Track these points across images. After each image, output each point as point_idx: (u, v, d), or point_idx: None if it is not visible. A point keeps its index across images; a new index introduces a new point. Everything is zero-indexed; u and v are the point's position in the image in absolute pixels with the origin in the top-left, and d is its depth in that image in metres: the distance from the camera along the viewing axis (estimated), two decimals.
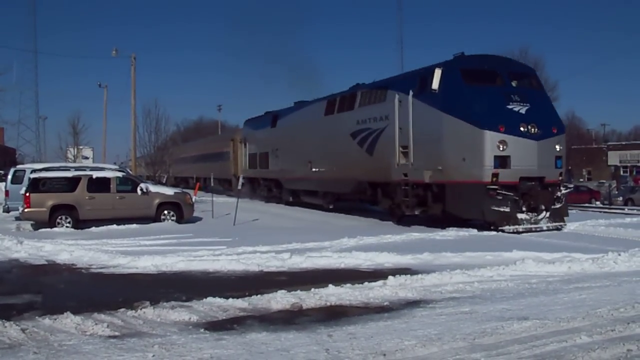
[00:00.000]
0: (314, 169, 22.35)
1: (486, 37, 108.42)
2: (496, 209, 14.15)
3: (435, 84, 15.27)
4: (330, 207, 21.64)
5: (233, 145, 33.89)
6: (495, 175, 14.24)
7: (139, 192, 17.95)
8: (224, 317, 6.41)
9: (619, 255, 9.29)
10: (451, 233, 14.12)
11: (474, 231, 14.31)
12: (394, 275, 8.29)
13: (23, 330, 5.70)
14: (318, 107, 22.85)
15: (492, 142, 14.28)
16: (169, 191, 19.37)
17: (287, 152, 25.37)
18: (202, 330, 5.83)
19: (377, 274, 8.75)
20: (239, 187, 20.11)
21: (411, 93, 16.29)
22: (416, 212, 16.38)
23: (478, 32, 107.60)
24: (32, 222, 17.70)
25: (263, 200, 28.24)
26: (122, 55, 36.90)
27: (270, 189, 27.82)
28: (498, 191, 14.21)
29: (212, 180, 31.71)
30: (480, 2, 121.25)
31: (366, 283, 7.94)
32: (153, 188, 19.03)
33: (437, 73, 15.27)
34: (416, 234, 13.88)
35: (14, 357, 4.94)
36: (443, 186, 15.38)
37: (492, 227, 14.35)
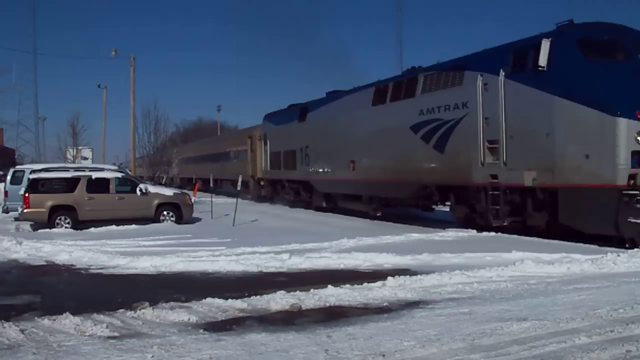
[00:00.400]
0: (357, 170, 19.24)
1: (487, 37, 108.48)
2: (636, 221, 10.89)
3: (542, 60, 12.14)
4: (378, 214, 18.54)
5: (251, 143, 30.64)
6: (633, 177, 11.12)
7: (138, 192, 17.97)
8: (223, 318, 6.40)
9: (618, 256, 9.28)
10: (450, 234, 14.11)
11: (473, 232, 14.29)
12: (393, 276, 8.28)
13: (22, 331, 5.69)
14: (362, 97, 19.35)
15: (628, 133, 11.11)
16: (168, 192, 19.39)
17: (320, 150, 22.02)
18: (201, 330, 5.83)
19: (377, 275, 8.74)
20: (238, 188, 20.10)
21: (502, 73, 13.22)
22: (505, 223, 13.51)
23: (478, 33, 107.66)
24: (31, 222, 17.71)
25: (287, 205, 25.45)
26: (122, 55, 37.13)
27: (298, 192, 24.60)
28: (638, 198, 10.99)
29: (219, 181, 30.09)
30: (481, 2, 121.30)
31: (365, 284, 7.94)
32: (152, 189, 19.05)
33: (545, 46, 12.13)
34: (415, 235, 13.88)
35: (13, 358, 4.94)
36: (553, 191, 12.35)
37: (627, 245, 10.95)
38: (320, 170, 21.97)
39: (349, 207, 20.46)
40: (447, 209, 17.02)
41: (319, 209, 22.68)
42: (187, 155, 48.52)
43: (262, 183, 28.81)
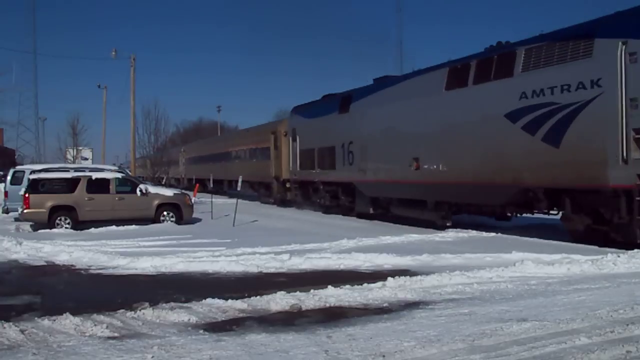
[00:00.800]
0: (422, 170, 15.84)
1: (486, 38, 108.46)
2: None
3: None
4: (448, 224, 15.37)
5: (274, 139, 26.91)
6: None
7: (138, 193, 17.97)
8: (223, 318, 6.40)
9: (618, 256, 9.28)
10: (450, 234, 14.11)
11: (473, 232, 14.30)
12: (393, 276, 8.29)
13: (22, 331, 5.69)
14: (430, 81, 16.00)
15: None
16: (168, 192, 19.39)
17: (369, 147, 18.55)
18: (201, 331, 5.83)
19: (377, 275, 8.75)
20: (238, 188, 20.01)
21: None
22: None
23: (478, 33, 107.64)
24: (31, 223, 17.70)
25: (320, 211, 22.27)
26: (122, 56, 37.12)
27: (336, 196, 21.22)
28: None
29: (239, 183, 27.73)
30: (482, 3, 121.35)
31: (365, 284, 7.94)
32: (152, 189, 19.06)
33: None
34: (415, 236, 13.88)
35: (13, 358, 4.94)
36: None
37: None
38: (369, 170, 18.54)
39: (407, 215, 17.13)
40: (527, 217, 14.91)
41: (362, 215, 19.45)
42: (196, 154, 45.02)
43: (287, 185, 25.52)
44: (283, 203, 26.16)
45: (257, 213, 21.68)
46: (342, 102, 20.65)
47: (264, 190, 28.97)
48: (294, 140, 24.13)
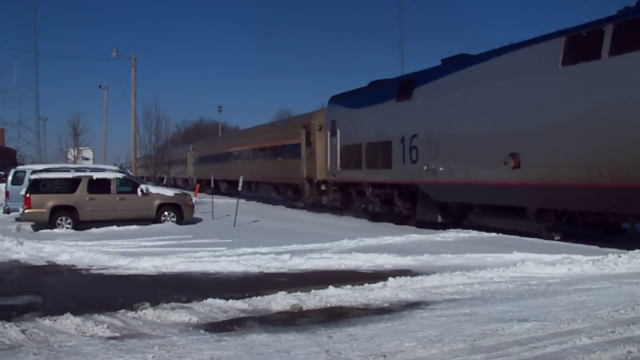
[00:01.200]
0: (524, 168, 12.77)
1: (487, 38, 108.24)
2: None
3: None
4: (557, 238, 12.65)
5: (307, 135, 23.43)
6: None
7: (139, 193, 17.99)
8: (224, 318, 6.41)
9: (619, 257, 9.28)
10: (451, 235, 14.10)
11: (474, 233, 14.28)
12: (394, 276, 8.29)
13: (23, 331, 5.70)
14: (536, 56, 12.76)
15: None
16: (169, 192, 19.41)
17: (442, 140, 15.26)
18: (202, 331, 5.83)
19: (377, 276, 8.75)
20: (239, 189, 19.92)
21: None
22: None
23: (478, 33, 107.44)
24: (32, 223, 17.72)
25: (366, 218, 18.96)
26: (123, 56, 36.96)
27: (390, 200, 17.84)
28: None
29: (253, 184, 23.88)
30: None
31: (366, 284, 7.94)
32: (153, 189, 19.08)
33: None
34: (416, 236, 13.86)
35: (14, 358, 4.94)
36: None
37: None
38: (441, 169, 15.20)
39: (494, 225, 14.07)
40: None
41: (424, 225, 16.15)
42: (208, 153, 41.30)
43: (323, 188, 22.12)
44: (315, 208, 23.02)
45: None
46: (401, 87, 17.22)
47: (291, 193, 25.50)
48: (333, 135, 20.72)
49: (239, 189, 19.84)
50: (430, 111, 15.77)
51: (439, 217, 15.76)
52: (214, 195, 18.83)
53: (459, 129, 14.73)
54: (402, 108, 16.94)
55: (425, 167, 15.68)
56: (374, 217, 18.60)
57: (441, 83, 15.63)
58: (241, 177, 20.16)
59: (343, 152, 20.17)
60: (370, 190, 18.58)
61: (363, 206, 19.02)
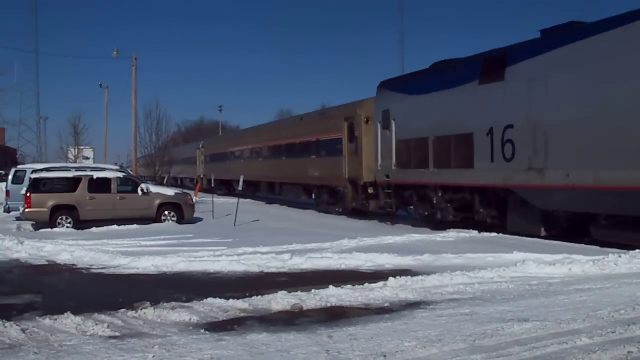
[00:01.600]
0: None
1: (487, 38, 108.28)
2: None
3: None
4: None
5: (350, 128, 19.79)
6: None
7: (139, 192, 17.99)
8: (225, 318, 6.41)
9: (620, 257, 9.27)
10: (452, 235, 14.07)
11: (475, 233, 14.26)
12: (394, 276, 8.29)
13: (23, 331, 5.70)
14: None
15: None
16: (169, 192, 19.41)
17: (554, 132, 11.95)
18: (202, 331, 5.84)
19: (378, 276, 8.75)
20: (240, 189, 19.80)
21: None
22: None
23: (478, 34, 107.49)
24: (32, 222, 17.73)
25: (429, 227, 15.58)
26: (123, 55, 36.89)
27: (467, 206, 14.81)
28: None
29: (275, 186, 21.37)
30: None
31: (367, 284, 7.94)
32: (154, 189, 19.09)
33: None
34: (417, 236, 13.85)
35: (15, 358, 4.95)
36: None
37: None
38: (553, 169, 11.98)
39: (636, 244, 10.04)
40: None
41: (515, 232, 13.33)
42: (222, 151, 37.63)
43: (370, 191, 18.88)
44: (356, 214, 20.03)
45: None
46: (486, 67, 13.94)
47: (327, 197, 21.96)
48: (386, 127, 17.44)
49: (240, 189, 19.71)
50: (535, 95, 12.35)
51: (542, 229, 12.66)
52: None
53: (583, 116, 11.36)
54: (488, 92, 13.63)
55: (526, 166, 12.61)
56: (437, 226, 15.41)
57: (546, 59, 12.38)
58: (241, 176, 19.76)
59: (400, 148, 16.95)
60: (439, 194, 15.45)
61: (426, 214, 16.14)
